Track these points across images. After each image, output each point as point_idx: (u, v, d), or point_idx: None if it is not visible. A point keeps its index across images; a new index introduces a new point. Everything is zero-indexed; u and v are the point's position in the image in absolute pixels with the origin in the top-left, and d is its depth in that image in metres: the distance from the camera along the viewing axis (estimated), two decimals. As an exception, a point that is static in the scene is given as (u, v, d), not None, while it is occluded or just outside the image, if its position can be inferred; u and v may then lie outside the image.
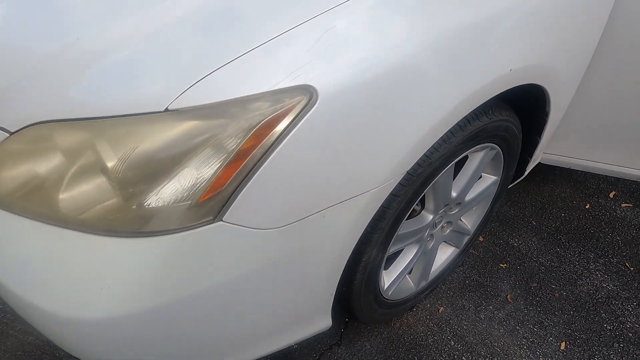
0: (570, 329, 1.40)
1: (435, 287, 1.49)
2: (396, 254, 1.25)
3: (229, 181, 0.70)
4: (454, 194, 1.19)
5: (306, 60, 0.71)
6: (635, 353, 1.33)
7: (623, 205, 1.82)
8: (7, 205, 0.77)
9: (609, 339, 1.37)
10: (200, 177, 0.70)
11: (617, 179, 1.93)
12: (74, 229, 0.74)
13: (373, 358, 1.34)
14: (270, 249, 0.79)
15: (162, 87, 0.70)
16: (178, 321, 0.82)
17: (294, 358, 1.33)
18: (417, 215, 1.17)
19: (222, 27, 0.75)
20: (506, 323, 1.42)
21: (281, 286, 0.88)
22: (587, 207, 1.82)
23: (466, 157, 1.16)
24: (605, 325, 1.41)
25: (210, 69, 0.70)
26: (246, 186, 0.71)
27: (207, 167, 0.70)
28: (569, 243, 1.67)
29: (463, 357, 1.34)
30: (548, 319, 1.43)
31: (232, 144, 0.69)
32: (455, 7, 0.84)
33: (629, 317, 1.42)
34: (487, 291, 1.51)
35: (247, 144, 0.70)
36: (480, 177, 1.33)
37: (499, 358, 1.33)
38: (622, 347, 1.35)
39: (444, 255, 1.46)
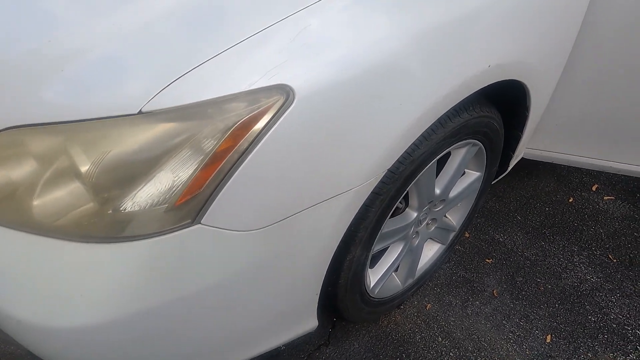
0: (556, 322, 1.41)
1: (422, 284, 1.50)
2: (382, 252, 1.25)
3: (206, 183, 0.69)
4: (437, 191, 1.19)
5: (282, 59, 0.71)
6: (618, 344, 1.35)
7: (605, 198, 1.85)
8: (-20, 213, 0.75)
9: (594, 331, 1.39)
10: (177, 180, 0.69)
11: (600, 172, 1.95)
12: (50, 236, 0.72)
13: (361, 357, 1.33)
14: (251, 251, 0.78)
15: (135, 89, 0.69)
16: (160, 326, 0.80)
17: (282, 359, 1.32)
18: (402, 212, 1.17)
19: (197, 27, 0.74)
20: (493, 318, 1.43)
21: (264, 288, 0.87)
22: (570, 200, 1.84)
23: (449, 154, 1.17)
24: (589, 317, 1.42)
25: (185, 69, 0.69)
26: (224, 188, 0.70)
27: (183, 169, 0.68)
28: (553, 237, 1.69)
29: (450, 353, 1.34)
30: (534, 313, 1.44)
31: (209, 146, 0.68)
32: (433, 4, 0.84)
33: (613, 309, 1.44)
34: (474, 287, 1.52)
35: (224, 146, 0.69)
36: (464, 173, 1.34)
37: (486, 353, 1.34)
38: (606, 338, 1.36)
39: (430, 252, 1.46)
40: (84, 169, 0.68)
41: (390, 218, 1.12)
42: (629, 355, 1.32)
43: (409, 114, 0.83)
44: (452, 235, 1.48)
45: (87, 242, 0.72)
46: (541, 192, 1.88)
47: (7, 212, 0.74)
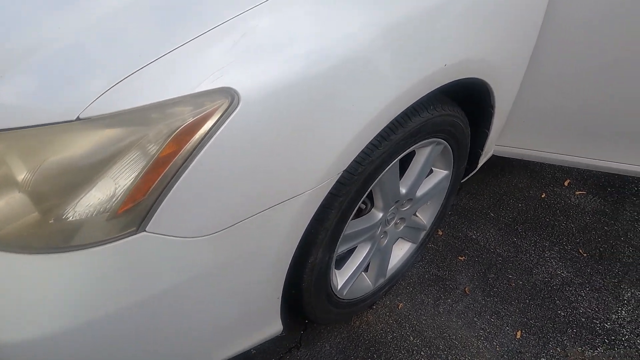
0: (526, 318, 1.42)
1: (394, 284, 1.50)
2: (350, 253, 1.25)
3: (150, 190, 0.68)
4: (403, 191, 1.19)
5: (228, 61, 0.69)
6: (587, 337, 1.36)
7: (577, 192, 1.87)
8: None
9: (563, 325, 1.40)
10: (119, 187, 0.67)
11: (572, 167, 1.97)
12: (-7, 248, 0.70)
13: (332, 359, 1.33)
14: (202, 257, 0.76)
15: (75, 94, 0.67)
16: (114, 336, 0.79)
17: (253, 363, 1.31)
18: (367, 213, 1.17)
19: (139, 29, 0.72)
20: (464, 315, 1.43)
21: (221, 293, 0.85)
22: (543, 196, 1.86)
23: (414, 153, 1.16)
24: (559, 312, 1.43)
25: (127, 73, 0.67)
26: (168, 194, 0.68)
27: (125, 176, 0.67)
28: (525, 233, 1.70)
29: (422, 352, 1.34)
30: (505, 309, 1.45)
31: (151, 152, 0.67)
32: (387, 2, 0.83)
33: (582, 303, 1.46)
34: (446, 285, 1.52)
35: (167, 151, 0.67)
36: (432, 172, 1.33)
37: (457, 351, 1.34)
38: (575, 332, 1.38)
39: (401, 251, 1.46)
40: (20, 177, 0.66)
41: (354, 219, 1.11)
42: (597, 349, 1.34)
43: (362, 115, 0.82)
44: (423, 234, 1.48)
45: (31, 253, 0.70)
46: (514, 189, 1.90)
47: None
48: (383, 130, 0.91)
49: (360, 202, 1.03)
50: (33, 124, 0.67)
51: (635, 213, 1.76)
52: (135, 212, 0.68)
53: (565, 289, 1.50)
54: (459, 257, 1.62)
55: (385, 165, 1.01)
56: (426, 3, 0.87)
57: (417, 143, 1.07)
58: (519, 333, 1.38)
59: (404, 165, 1.18)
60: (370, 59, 0.80)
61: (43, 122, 0.66)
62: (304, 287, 1.05)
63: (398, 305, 1.46)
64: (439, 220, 1.51)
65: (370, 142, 0.90)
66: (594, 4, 1.14)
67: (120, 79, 0.67)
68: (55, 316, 0.72)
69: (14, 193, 0.68)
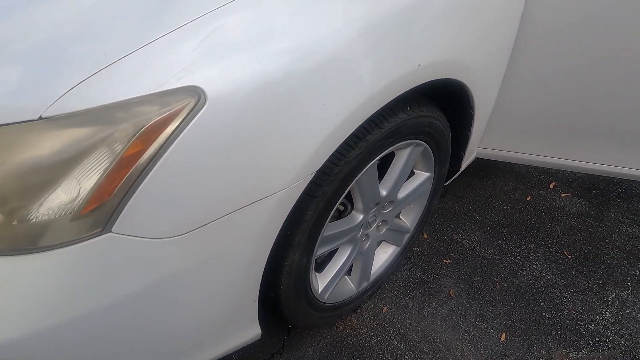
0: (511, 320, 1.41)
1: (378, 287, 1.49)
2: (331, 255, 1.24)
3: (115, 191, 0.67)
4: (383, 192, 1.18)
5: (194, 59, 0.69)
6: (571, 339, 1.35)
7: (562, 195, 1.87)
8: None
9: (548, 327, 1.39)
10: (82, 188, 0.66)
11: (557, 170, 1.98)
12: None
13: (315, 364, 1.31)
14: (170, 259, 0.75)
15: (37, 93, 0.66)
16: (82, 339, 0.77)
17: (234, 370, 1.29)
18: (347, 215, 1.16)
19: (106, 27, 0.71)
20: (449, 318, 1.42)
21: (193, 296, 0.84)
22: (528, 199, 1.86)
23: (394, 154, 1.16)
24: (544, 314, 1.43)
25: (92, 70, 0.66)
26: (134, 195, 0.67)
27: (88, 176, 0.66)
28: (510, 235, 1.70)
29: (406, 356, 1.33)
30: (489, 312, 1.44)
31: (115, 151, 0.66)
32: (357, 3, 0.83)
33: (567, 305, 1.45)
34: (431, 288, 1.52)
35: (132, 150, 0.66)
36: (413, 173, 1.33)
37: (441, 354, 1.33)
38: (560, 334, 1.37)
39: (385, 254, 1.45)
40: (-19, 178, 0.65)
41: (334, 221, 1.11)
42: (581, 351, 1.33)
43: (334, 114, 0.82)
44: (406, 236, 1.47)
45: (-5, 255, 0.68)
46: (500, 191, 1.90)
47: None
48: (358, 130, 0.91)
49: (338, 204, 1.02)
50: (-5, 123, 0.66)
51: (620, 215, 1.77)
52: (101, 212, 0.67)
53: (550, 291, 1.49)
54: (444, 260, 1.61)
55: (362, 166, 1.01)
56: (401, 3, 0.88)
57: (395, 144, 1.07)
58: (503, 336, 1.37)
59: (385, 167, 1.18)
60: (342, 57, 0.80)
61: (5, 122, 0.65)
62: (282, 291, 1.04)
63: (382, 309, 1.45)
64: (423, 222, 1.51)
65: (345, 142, 0.90)
66: (571, 5, 1.15)
67: (85, 78, 0.66)
68: (20, 319, 0.71)
69: (-24, 194, 0.66)
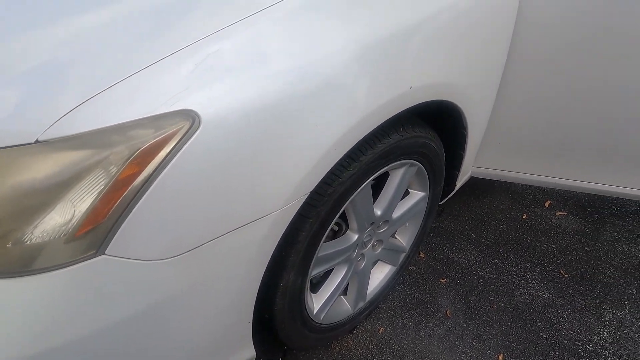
0: (508, 340, 1.40)
1: (375, 307, 1.48)
2: (327, 275, 1.24)
3: (109, 213, 0.67)
4: (378, 212, 1.19)
5: (188, 84, 0.70)
6: (570, 360, 1.34)
7: (558, 213, 1.88)
8: None
9: (545, 348, 1.38)
10: (77, 210, 0.66)
11: (552, 189, 1.99)
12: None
13: (311, 386, 1.30)
14: (164, 281, 0.75)
15: (34, 116, 0.67)
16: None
17: (229, 392, 1.27)
18: (341, 235, 1.16)
19: (104, 51, 0.73)
20: (446, 339, 1.41)
21: (187, 317, 0.84)
22: (524, 217, 1.86)
23: (388, 174, 1.17)
24: (541, 334, 1.42)
25: (87, 95, 0.67)
26: (128, 217, 0.68)
27: (83, 199, 0.66)
28: (507, 254, 1.70)
29: (402, 378, 1.31)
30: (486, 332, 1.43)
31: (110, 173, 0.67)
32: (354, 25, 0.85)
33: (564, 324, 1.44)
34: (428, 308, 1.51)
35: (127, 173, 0.67)
36: (408, 193, 1.34)
37: (438, 376, 1.32)
38: (558, 355, 1.36)
39: (381, 274, 1.45)
40: (-23, 201, 0.66)
41: (329, 241, 1.11)
42: (579, 372, 1.32)
43: (327, 136, 0.83)
44: (402, 256, 1.47)
45: (-13, 278, 0.68)
46: (496, 210, 1.90)
47: None
48: (351, 151, 0.92)
49: (332, 224, 1.03)
50: (-9, 146, 0.67)
51: (615, 233, 1.77)
52: (95, 234, 0.67)
53: (547, 311, 1.49)
54: (441, 280, 1.61)
55: (356, 187, 1.02)
56: (393, 27, 0.90)
57: (388, 164, 1.08)
58: (501, 356, 1.36)
59: (380, 186, 1.19)
60: (335, 81, 0.82)
61: (1, 145, 0.66)
62: (277, 312, 1.04)
63: (379, 330, 1.44)
64: (419, 241, 1.51)
65: (339, 163, 0.91)
66: (559, 28, 1.17)
67: (81, 102, 0.67)
68: (14, 343, 0.70)
69: (-30, 217, 0.67)
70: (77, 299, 0.71)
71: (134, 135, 0.68)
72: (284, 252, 0.93)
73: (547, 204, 1.92)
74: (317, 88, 0.79)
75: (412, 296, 1.55)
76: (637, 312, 1.47)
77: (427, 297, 1.54)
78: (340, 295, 1.28)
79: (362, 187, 1.03)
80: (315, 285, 1.24)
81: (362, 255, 1.28)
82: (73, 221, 0.66)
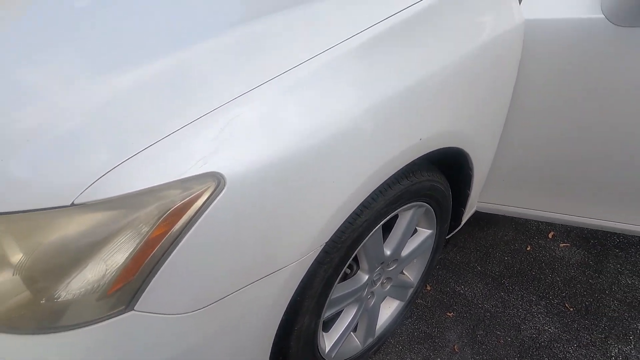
0: (516, 377, 1.42)
1: (383, 342, 1.50)
2: (338, 314, 1.26)
3: (139, 270, 0.71)
4: (388, 252, 1.22)
5: (213, 147, 0.74)
6: (577, 397, 1.36)
7: (561, 245, 1.91)
8: None
9: (553, 384, 1.40)
10: (109, 268, 0.70)
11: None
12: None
13: None
14: (188, 333, 0.78)
15: (70, 180, 0.71)
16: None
17: None
18: (353, 276, 1.19)
19: (132, 117, 0.77)
20: (454, 375, 1.43)
21: (208, 366, 0.86)
22: (528, 249, 1.89)
23: (397, 215, 1.21)
24: (548, 369, 1.44)
25: (119, 160, 0.71)
26: (157, 274, 0.71)
27: (116, 257, 0.70)
28: (512, 287, 1.72)
29: (412, 415, 1.33)
30: (494, 368, 1.45)
31: (141, 233, 0.70)
32: (367, 85, 0.89)
33: (571, 360, 1.46)
34: (435, 342, 1.53)
35: (157, 232, 0.71)
36: (416, 231, 1.37)
37: (447, 413, 1.33)
38: (565, 392, 1.37)
39: (389, 309, 1.47)
40: (15, 260, 0.69)
41: (341, 282, 1.14)
42: (587, 409, 1.33)
43: (344, 189, 0.87)
44: (410, 291, 1.50)
45: (20, 333, 0.71)
46: (500, 241, 1.93)
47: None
48: (364, 200, 0.96)
49: (345, 267, 1.06)
50: (30, 208, 0.71)
51: (619, 265, 1.80)
52: (125, 291, 0.71)
53: (554, 346, 1.51)
54: (448, 313, 1.63)
55: (368, 232, 1.05)
56: (402, 85, 0.94)
57: (399, 208, 1.12)
58: (509, 393, 1.37)
59: (389, 225, 1.22)
60: (350, 138, 0.85)
61: (40, 207, 0.70)
62: (291, 354, 1.06)
63: (388, 365, 1.46)
64: (426, 276, 1.53)
65: (353, 212, 0.95)
66: (557, 78, 1.22)
67: (114, 166, 0.71)
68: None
69: (7, 274, 0.70)
70: (105, 355, 0.74)
71: (163, 195, 0.72)
72: (299, 297, 0.96)
73: (550, 235, 1.95)
74: (334, 145, 0.83)
75: (419, 330, 1.57)
76: (642, 347, 1.49)
77: (434, 331, 1.56)
78: (350, 332, 1.30)
79: (373, 231, 1.07)
80: (327, 323, 1.26)
81: (372, 293, 1.31)
82: (105, 279, 0.70)
